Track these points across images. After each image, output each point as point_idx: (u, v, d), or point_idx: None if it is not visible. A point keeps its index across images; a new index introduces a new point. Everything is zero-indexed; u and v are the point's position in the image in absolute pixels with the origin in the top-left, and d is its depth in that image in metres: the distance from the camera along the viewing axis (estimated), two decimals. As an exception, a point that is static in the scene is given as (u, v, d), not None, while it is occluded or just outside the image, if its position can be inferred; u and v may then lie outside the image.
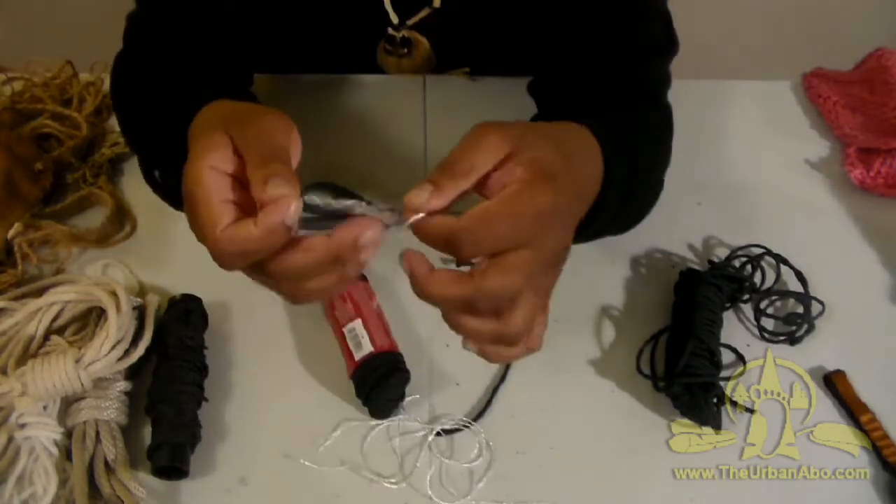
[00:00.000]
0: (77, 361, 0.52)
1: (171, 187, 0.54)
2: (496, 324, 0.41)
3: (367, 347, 0.57)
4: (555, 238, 0.41)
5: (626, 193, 0.52)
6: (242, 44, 0.66)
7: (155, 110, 0.57)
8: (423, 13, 0.70)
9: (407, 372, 0.57)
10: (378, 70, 0.78)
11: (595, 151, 0.49)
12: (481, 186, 0.41)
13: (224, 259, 0.40)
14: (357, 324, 0.58)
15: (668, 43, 0.64)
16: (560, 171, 0.41)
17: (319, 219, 0.73)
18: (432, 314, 0.63)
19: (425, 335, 0.63)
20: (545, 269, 0.42)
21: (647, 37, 0.63)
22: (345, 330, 0.58)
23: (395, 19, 0.70)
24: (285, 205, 0.37)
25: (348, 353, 0.58)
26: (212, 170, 0.40)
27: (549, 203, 0.39)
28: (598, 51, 0.62)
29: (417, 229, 0.40)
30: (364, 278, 0.63)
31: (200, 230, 0.40)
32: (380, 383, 0.56)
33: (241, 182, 0.41)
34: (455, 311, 0.42)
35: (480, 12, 0.70)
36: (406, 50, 0.74)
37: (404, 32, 0.72)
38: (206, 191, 0.40)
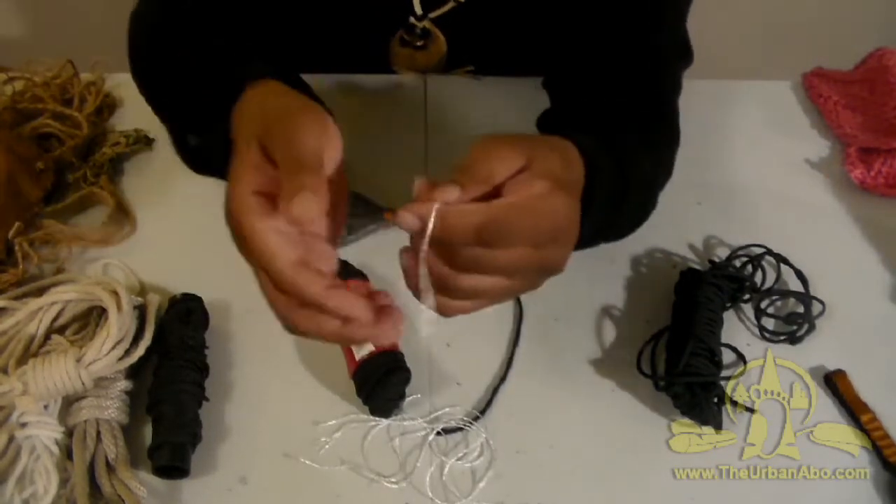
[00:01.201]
0: (78, 361, 0.52)
1: (209, 150, 0.53)
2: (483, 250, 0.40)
3: (368, 346, 0.57)
4: (561, 247, 0.41)
5: (608, 215, 0.53)
6: (257, 29, 0.65)
7: (192, 72, 0.56)
8: (448, 6, 0.69)
9: (407, 371, 0.57)
10: (386, 64, 0.78)
11: (578, 167, 0.49)
12: (492, 196, 0.41)
13: (293, 285, 0.39)
14: (358, 323, 0.58)
15: (683, 51, 0.65)
16: (568, 183, 0.42)
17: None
18: (432, 314, 0.64)
19: (426, 335, 0.63)
20: (539, 272, 0.42)
21: (663, 42, 0.64)
22: (345, 329, 0.58)
23: (419, 10, 0.70)
24: (330, 258, 0.39)
25: (349, 353, 0.58)
26: (255, 195, 0.39)
27: (567, 212, 0.41)
28: (614, 52, 0.63)
29: (447, 218, 0.38)
30: (364, 278, 0.63)
31: (258, 259, 0.39)
32: (380, 382, 0.56)
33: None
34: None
35: (503, 10, 0.70)
36: (423, 42, 0.73)
37: (425, 24, 0.71)
38: (254, 220, 0.39)
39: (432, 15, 0.70)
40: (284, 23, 0.72)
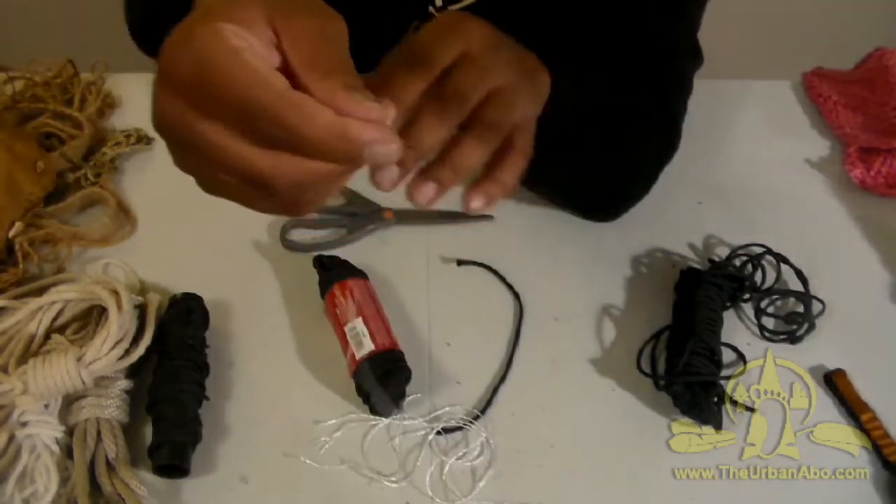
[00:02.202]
0: (78, 360, 0.52)
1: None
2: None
3: (369, 346, 0.57)
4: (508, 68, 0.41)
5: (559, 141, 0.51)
6: None
7: None
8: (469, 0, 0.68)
9: (408, 370, 0.57)
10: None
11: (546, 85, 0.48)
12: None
13: (285, 120, 0.30)
14: (358, 322, 0.58)
15: (693, 52, 0.65)
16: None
17: (321, 219, 0.73)
18: (433, 313, 0.64)
19: (426, 334, 0.63)
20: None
21: (678, 41, 0.64)
22: (346, 328, 0.58)
23: (439, 1, 0.69)
24: (380, 131, 0.31)
25: (349, 352, 0.58)
26: (244, 47, 0.31)
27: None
28: (630, 44, 0.63)
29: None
30: (365, 277, 0.63)
31: (236, 87, 0.30)
32: (381, 382, 0.56)
33: None
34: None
35: (524, 7, 0.69)
36: None
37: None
38: (238, 53, 0.30)
39: (452, 8, 0.70)
40: None
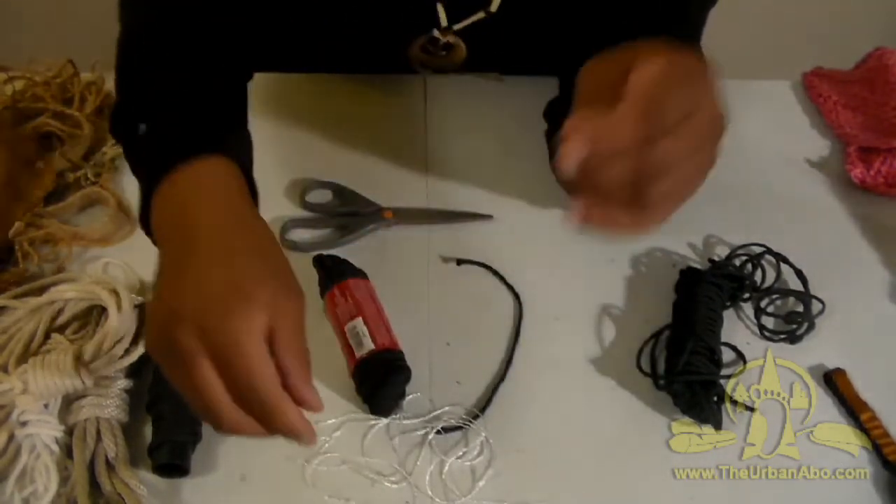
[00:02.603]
0: (78, 359, 0.53)
1: (147, 149, 0.53)
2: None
3: (368, 345, 0.57)
4: (708, 90, 0.44)
5: None
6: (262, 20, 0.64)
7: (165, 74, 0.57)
8: (476, 17, 0.67)
9: (408, 370, 0.57)
10: (403, 60, 0.76)
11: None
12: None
13: (269, 405, 0.40)
14: (358, 322, 0.58)
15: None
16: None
17: (321, 218, 0.73)
18: (433, 313, 0.64)
19: (426, 334, 0.63)
20: (711, 128, 0.44)
21: (678, 41, 0.64)
22: (346, 328, 0.58)
23: (444, 22, 0.68)
24: (312, 434, 0.42)
25: (349, 351, 0.58)
26: (261, 340, 0.40)
27: (689, 58, 0.43)
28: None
29: (607, 128, 0.40)
30: (365, 277, 0.63)
31: (251, 369, 0.40)
32: (381, 381, 0.56)
33: None
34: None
35: (532, 19, 0.69)
36: (445, 53, 0.72)
37: (449, 38, 0.69)
38: (260, 355, 0.40)
39: (457, 27, 0.69)
40: (304, 21, 0.71)
